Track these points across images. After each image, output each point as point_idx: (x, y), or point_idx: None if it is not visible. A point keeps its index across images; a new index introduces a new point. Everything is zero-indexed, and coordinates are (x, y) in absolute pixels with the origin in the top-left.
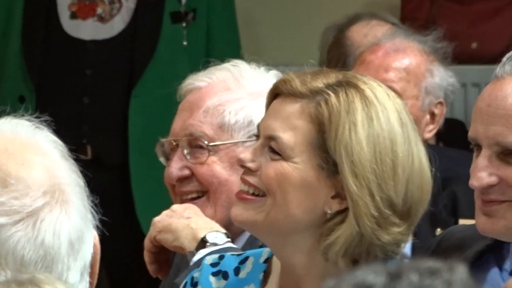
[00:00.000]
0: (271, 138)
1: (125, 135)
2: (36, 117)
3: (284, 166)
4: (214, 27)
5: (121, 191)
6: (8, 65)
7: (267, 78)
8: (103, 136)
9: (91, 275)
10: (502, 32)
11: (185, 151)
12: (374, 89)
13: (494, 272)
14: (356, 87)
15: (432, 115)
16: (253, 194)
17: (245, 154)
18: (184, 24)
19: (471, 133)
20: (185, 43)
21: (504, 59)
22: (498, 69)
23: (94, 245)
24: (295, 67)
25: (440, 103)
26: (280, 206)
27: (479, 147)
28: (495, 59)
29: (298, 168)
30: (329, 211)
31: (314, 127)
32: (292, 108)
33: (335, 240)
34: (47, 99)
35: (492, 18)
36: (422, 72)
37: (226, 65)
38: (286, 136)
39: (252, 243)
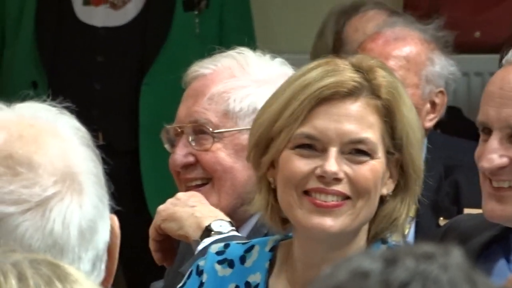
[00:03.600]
0: (358, 141)
1: (136, 122)
2: (59, 103)
3: (376, 165)
4: (228, 15)
5: (131, 177)
6: (21, 51)
7: (272, 65)
8: (114, 122)
9: (110, 260)
10: (505, 21)
11: (190, 138)
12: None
13: (501, 263)
14: (377, 65)
15: (433, 104)
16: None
17: (329, 166)
18: (196, 12)
19: (480, 117)
20: (197, 31)
21: None
22: (510, 54)
23: (113, 231)
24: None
25: (441, 92)
26: (370, 205)
27: (488, 131)
28: (498, 48)
29: (381, 162)
30: (389, 193)
31: (380, 118)
32: (358, 106)
33: (399, 215)
34: (59, 85)
35: (495, 6)
36: (423, 61)
37: (231, 52)
38: (371, 135)
39: (257, 231)
